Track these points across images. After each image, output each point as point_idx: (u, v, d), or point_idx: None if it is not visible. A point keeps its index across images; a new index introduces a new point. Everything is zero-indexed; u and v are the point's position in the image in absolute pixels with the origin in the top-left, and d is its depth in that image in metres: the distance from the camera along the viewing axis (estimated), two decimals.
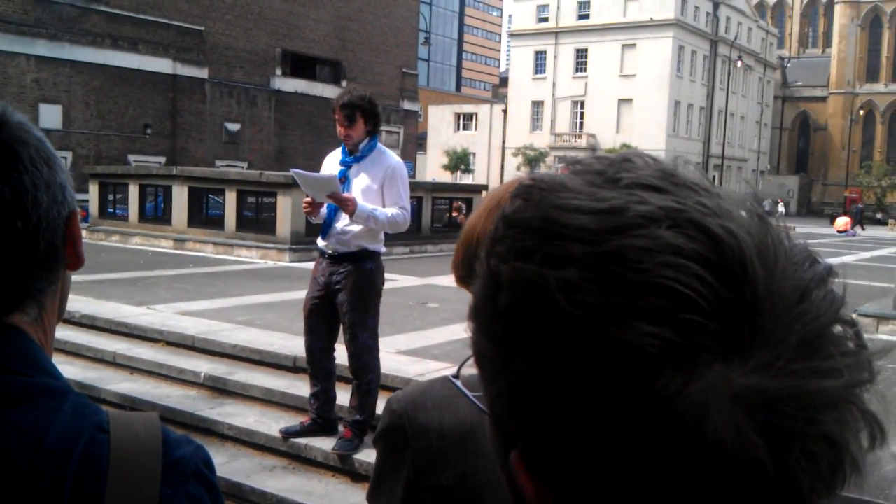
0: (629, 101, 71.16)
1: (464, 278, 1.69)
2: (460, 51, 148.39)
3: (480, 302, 0.57)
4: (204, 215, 19.49)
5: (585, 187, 0.54)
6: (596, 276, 0.49)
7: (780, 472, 0.47)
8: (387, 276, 6.07)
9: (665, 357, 0.47)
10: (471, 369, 0.62)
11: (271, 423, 6.58)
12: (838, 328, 0.51)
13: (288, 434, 6.19)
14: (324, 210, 5.68)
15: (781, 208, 47.73)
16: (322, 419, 6.10)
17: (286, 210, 16.87)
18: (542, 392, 0.51)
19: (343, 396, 6.14)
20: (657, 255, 0.49)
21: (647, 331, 0.47)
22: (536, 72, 76.72)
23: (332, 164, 5.91)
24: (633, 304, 0.48)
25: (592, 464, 0.50)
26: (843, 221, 45.94)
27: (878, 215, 67.43)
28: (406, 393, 1.69)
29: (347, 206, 5.45)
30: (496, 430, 0.59)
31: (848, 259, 25.51)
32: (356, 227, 5.59)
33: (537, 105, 76.51)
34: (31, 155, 1.01)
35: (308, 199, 5.56)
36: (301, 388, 6.84)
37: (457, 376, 1.31)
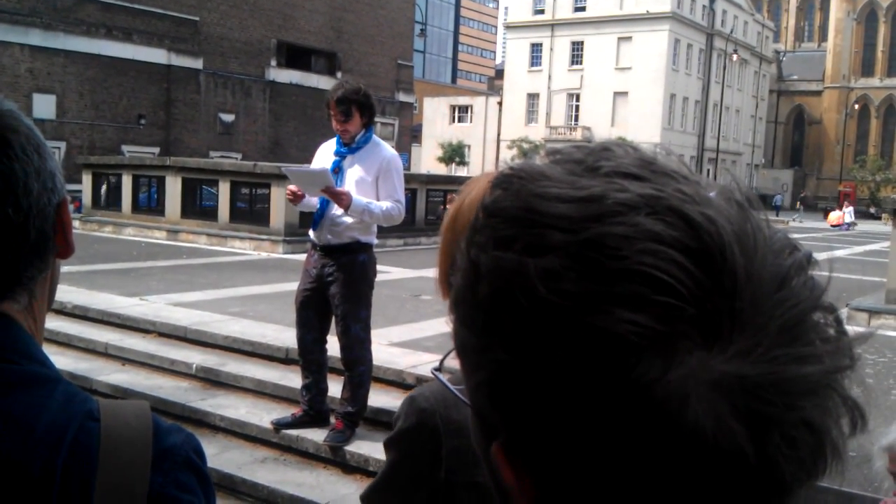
0: (625, 94, 71.14)
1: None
2: (456, 42, 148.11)
3: (461, 292, 0.57)
4: (197, 206, 19.44)
5: (565, 176, 0.54)
6: (575, 264, 0.49)
7: (760, 458, 0.47)
8: (380, 267, 6.07)
9: (645, 344, 0.47)
10: (454, 362, 0.62)
11: (263, 415, 6.58)
12: (819, 315, 0.51)
13: (279, 425, 6.19)
14: (314, 200, 5.68)
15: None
16: (314, 411, 6.10)
17: (280, 201, 16.77)
18: (523, 381, 0.51)
19: (335, 388, 6.14)
20: (636, 243, 0.49)
21: (626, 318, 0.47)
22: (532, 64, 76.66)
23: (325, 154, 5.89)
24: (612, 291, 0.48)
25: (574, 453, 0.50)
26: (836, 215, 46.03)
27: (872, 210, 67.56)
28: (433, 391, 1.63)
29: (342, 200, 5.44)
30: (478, 422, 0.59)
31: (841, 253, 25.58)
32: (348, 219, 5.59)
33: (533, 97, 76.47)
34: (22, 143, 1.01)
35: (293, 187, 5.53)
36: (293, 379, 6.84)
37: (439, 369, 1.30)
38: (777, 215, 57.47)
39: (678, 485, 0.48)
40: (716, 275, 0.48)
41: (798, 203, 57.06)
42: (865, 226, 49.54)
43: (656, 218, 0.50)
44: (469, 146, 74.91)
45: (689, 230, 0.49)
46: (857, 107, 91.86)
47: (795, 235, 0.54)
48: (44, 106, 32.54)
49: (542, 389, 0.50)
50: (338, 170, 5.69)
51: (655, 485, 0.48)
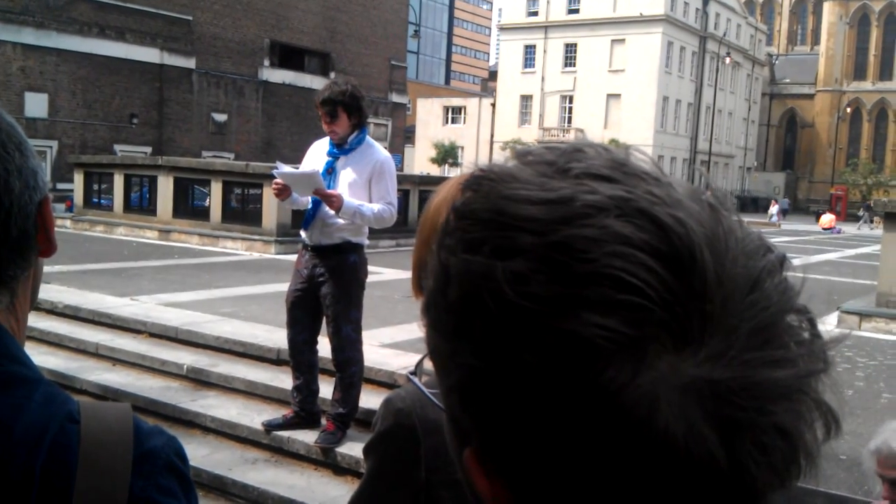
0: (617, 96, 71.25)
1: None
2: (450, 44, 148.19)
3: (432, 296, 0.56)
4: (189, 206, 19.41)
5: (535, 178, 0.53)
6: (544, 267, 0.48)
7: (732, 464, 0.47)
8: (373, 268, 6.05)
9: (614, 348, 0.46)
10: (431, 365, 0.62)
11: (254, 416, 6.56)
12: (792, 317, 0.50)
13: (270, 427, 6.17)
14: (303, 199, 5.66)
15: (773, 209, 47.52)
16: (305, 412, 6.08)
17: (272, 202, 16.75)
18: (493, 386, 0.50)
19: (326, 389, 6.13)
20: (605, 245, 0.48)
21: (595, 322, 0.46)
22: (525, 66, 76.71)
23: (318, 152, 5.88)
24: (580, 294, 0.47)
25: (545, 458, 0.49)
26: (828, 219, 46.16)
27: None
28: (409, 391, 1.62)
29: (333, 202, 5.42)
30: (451, 426, 0.58)
31: (832, 256, 25.64)
32: (339, 220, 5.57)
33: (526, 99, 76.52)
34: (3, 140, 1.00)
35: (279, 181, 5.48)
36: (284, 380, 6.82)
37: (415, 373, 1.30)
38: (784, 218, 57.74)
39: (649, 490, 0.47)
40: (685, 277, 0.48)
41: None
42: (855, 229, 49.66)
43: (625, 220, 0.49)
44: (462, 147, 74.94)
45: (658, 232, 0.49)
46: (849, 110, 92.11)
47: (787, 238, 0.53)
48: (36, 105, 32.45)
49: (511, 394, 0.49)
50: (331, 170, 5.67)
51: (627, 490, 0.47)
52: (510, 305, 0.49)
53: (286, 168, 5.67)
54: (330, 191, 5.46)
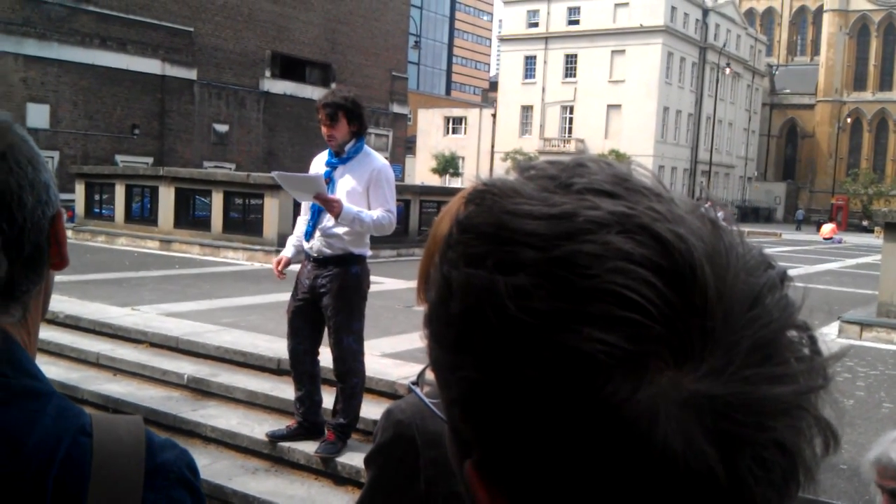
0: (618, 106, 71.32)
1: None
2: (450, 55, 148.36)
3: (434, 309, 0.57)
4: (191, 216, 19.43)
5: (538, 192, 0.53)
6: (546, 283, 0.49)
7: (731, 480, 0.47)
8: (373, 278, 6.06)
9: (614, 364, 0.46)
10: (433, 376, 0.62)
11: (254, 426, 6.56)
12: (793, 333, 0.50)
13: (274, 437, 6.16)
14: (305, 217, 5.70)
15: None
16: (308, 423, 6.07)
17: (273, 212, 16.82)
18: (494, 400, 0.50)
19: (327, 399, 6.12)
20: (606, 261, 0.48)
21: (595, 337, 0.47)
22: (526, 76, 76.82)
23: (318, 166, 5.90)
24: (582, 310, 0.48)
25: (545, 472, 0.49)
26: (829, 228, 46.15)
27: (865, 223, 67.74)
28: (409, 403, 1.64)
29: (333, 207, 5.43)
30: (453, 438, 0.59)
31: (833, 266, 25.61)
32: (340, 230, 5.58)
33: (526, 110, 76.61)
34: (16, 155, 1.01)
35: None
36: (285, 390, 6.82)
37: (416, 383, 1.31)
38: (798, 229, 57.65)
39: None
40: (686, 294, 0.48)
41: None
42: (857, 239, 49.66)
43: (627, 236, 0.49)
44: (463, 158, 75.01)
45: (659, 248, 0.49)
46: (849, 120, 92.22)
47: (787, 248, 0.53)
48: (38, 115, 32.47)
49: (512, 409, 0.49)
50: (328, 180, 5.68)
51: None
52: (512, 320, 0.49)
53: (288, 173, 5.73)
54: (330, 196, 5.47)
